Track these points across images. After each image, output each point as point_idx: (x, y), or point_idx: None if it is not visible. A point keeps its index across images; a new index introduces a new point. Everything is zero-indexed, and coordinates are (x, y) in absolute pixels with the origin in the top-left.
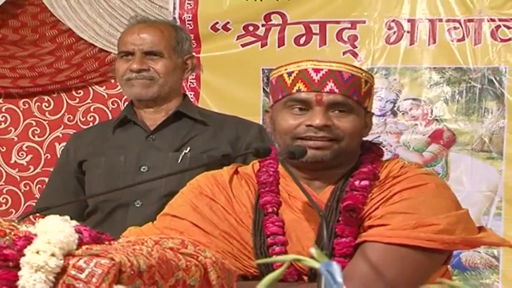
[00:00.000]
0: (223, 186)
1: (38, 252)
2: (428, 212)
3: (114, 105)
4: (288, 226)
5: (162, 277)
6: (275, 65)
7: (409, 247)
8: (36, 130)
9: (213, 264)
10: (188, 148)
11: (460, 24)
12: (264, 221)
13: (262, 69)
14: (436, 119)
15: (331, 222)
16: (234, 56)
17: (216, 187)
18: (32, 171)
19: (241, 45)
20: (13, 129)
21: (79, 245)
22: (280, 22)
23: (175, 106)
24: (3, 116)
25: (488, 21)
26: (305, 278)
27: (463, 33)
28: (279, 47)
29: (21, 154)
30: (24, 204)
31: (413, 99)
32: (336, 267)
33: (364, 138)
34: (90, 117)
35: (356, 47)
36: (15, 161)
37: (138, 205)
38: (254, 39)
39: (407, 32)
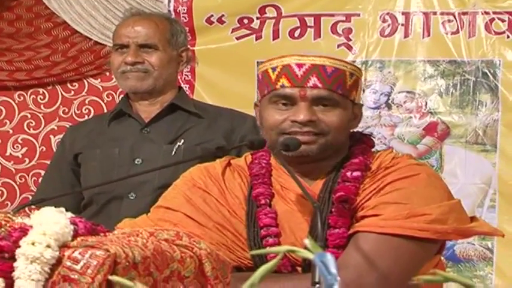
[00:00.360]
0: (216, 178)
1: (33, 244)
2: (421, 202)
3: (109, 97)
4: (281, 217)
5: (157, 268)
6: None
7: (402, 237)
8: (32, 123)
9: (207, 256)
10: (182, 140)
11: (454, 17)
12: (257, 212)
13: (257, 62)
14: (430, 112)
15: (324, 213)
16: (229, 49)
17: (209, 179)
18: (27, 164)
19: (236, 38)
20: (8, 122)
21: (74, 237)
22: (275, 15)
23: (170, 98)
24: None
25: (482, 14)
26: (299, 269)
27: (457, 26)
28: (273, 39)
29: (17, 146)
30: (19, 197)
31: (408, 92)
32: (330, 257)
33: (356, 129)
34: (85, 110)
35: (350, 40)
36: (10, 154)
37: (132, 197)
38: (249, 32)
39: (402, 25)
